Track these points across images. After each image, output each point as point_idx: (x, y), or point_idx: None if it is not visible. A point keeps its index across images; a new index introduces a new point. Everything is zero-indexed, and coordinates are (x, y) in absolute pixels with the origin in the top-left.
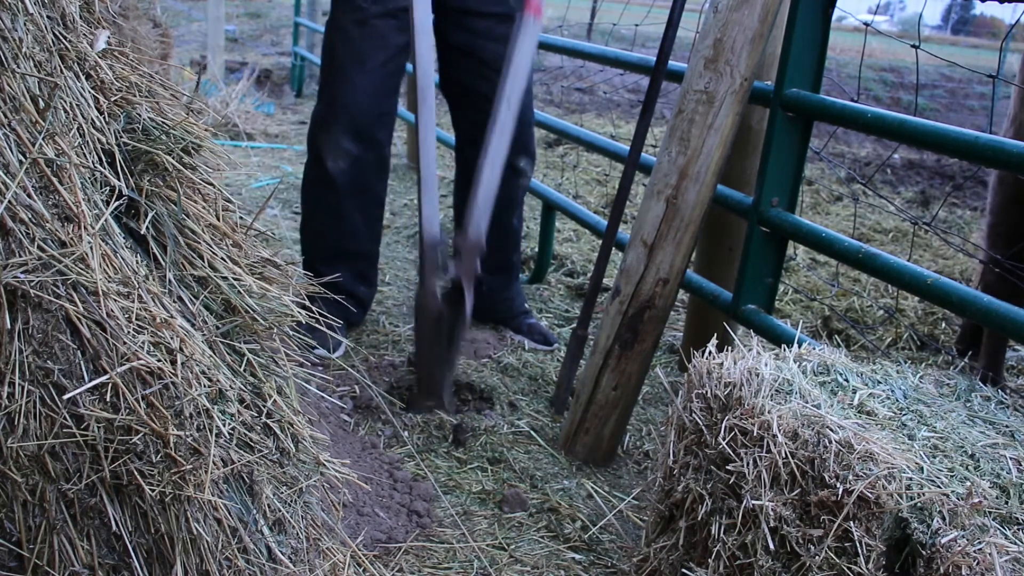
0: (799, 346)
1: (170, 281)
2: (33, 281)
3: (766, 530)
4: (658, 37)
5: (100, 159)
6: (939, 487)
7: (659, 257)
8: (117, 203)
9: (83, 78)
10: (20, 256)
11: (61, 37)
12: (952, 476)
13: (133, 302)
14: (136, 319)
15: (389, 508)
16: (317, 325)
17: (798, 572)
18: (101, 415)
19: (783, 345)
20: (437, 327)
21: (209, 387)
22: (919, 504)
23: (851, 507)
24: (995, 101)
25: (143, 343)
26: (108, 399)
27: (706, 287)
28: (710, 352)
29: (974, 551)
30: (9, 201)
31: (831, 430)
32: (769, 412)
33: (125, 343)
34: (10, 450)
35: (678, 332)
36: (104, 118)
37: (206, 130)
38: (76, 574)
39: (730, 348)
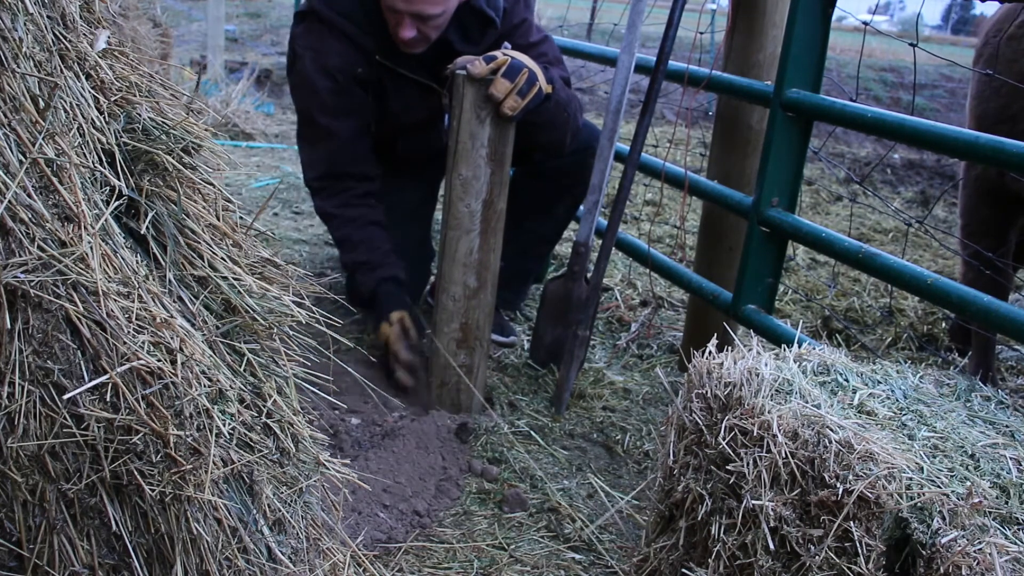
0: (799, 346)
1: (170, 281)
2: (33, 281)
3: (766, 530)
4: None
5: (100, 159)
6: (939, 487)
7: None
8: (117, 203)
9: (83, 78)
10: (20, 256)
11: (61, 37)
12: (952, 476)
13: (133, 302)
14: (136, 319)
15: (389, 508)
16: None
17: (798, 572)
18: (101, 415)
19: (783, 345)
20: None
21: (209, 387)
22: (919, 504)
23: (851, 507)
24: None
25: (143, 343)
26: (108, 399)
27: (706, 287)
28: (710, 352)
29: (974, 551)
30: (9, 201)
31: (831, 430)
32: (769, 412)
33: (125, 343)
34: (10, 450)
35: (678, 332)
36: (104, 118)
37: (206, 130)
38: (76, 574)
39: (730, 348)
